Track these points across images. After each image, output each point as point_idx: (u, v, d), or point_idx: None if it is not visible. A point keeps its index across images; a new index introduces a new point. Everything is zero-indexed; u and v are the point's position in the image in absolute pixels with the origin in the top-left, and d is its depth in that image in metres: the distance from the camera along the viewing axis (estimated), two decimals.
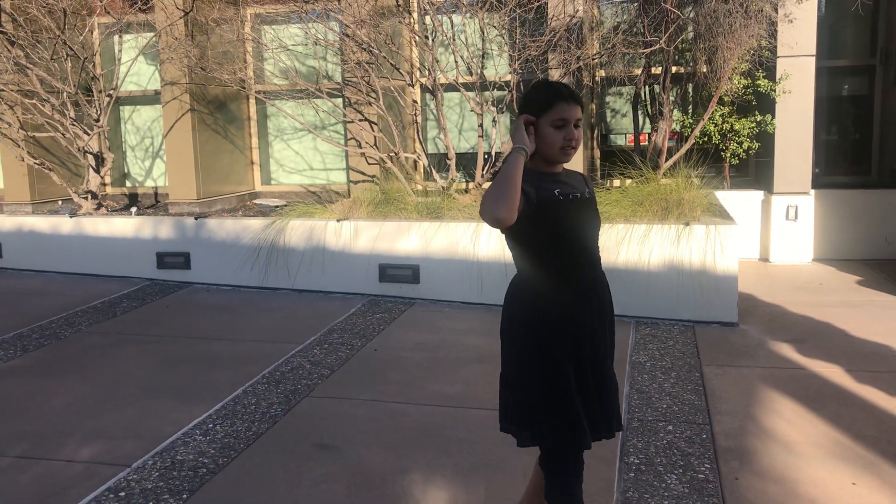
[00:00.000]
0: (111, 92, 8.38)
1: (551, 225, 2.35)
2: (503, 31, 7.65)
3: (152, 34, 8.55)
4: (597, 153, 8.96)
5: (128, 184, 9.94)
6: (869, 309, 5.99)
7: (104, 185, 9.32)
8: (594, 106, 8.75)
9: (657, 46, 6.49)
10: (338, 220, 6.61)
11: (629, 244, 5.83)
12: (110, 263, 7.58)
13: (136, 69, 9.24)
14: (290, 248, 6.77)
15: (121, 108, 9.79)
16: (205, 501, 3.26)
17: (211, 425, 4.03)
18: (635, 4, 6.98)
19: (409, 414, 4.18)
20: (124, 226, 7.52)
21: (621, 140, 9.26)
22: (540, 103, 2.34)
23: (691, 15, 6.78)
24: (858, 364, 4.74)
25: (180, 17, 8.07)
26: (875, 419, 3.97)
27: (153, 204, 9.49)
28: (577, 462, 2.45)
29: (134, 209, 8.41)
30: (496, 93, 7.64)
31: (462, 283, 6.30)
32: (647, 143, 8.11)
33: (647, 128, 8.26)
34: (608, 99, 9.19)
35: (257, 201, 9.29)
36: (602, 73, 8.57)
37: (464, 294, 6.32)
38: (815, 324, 5.62)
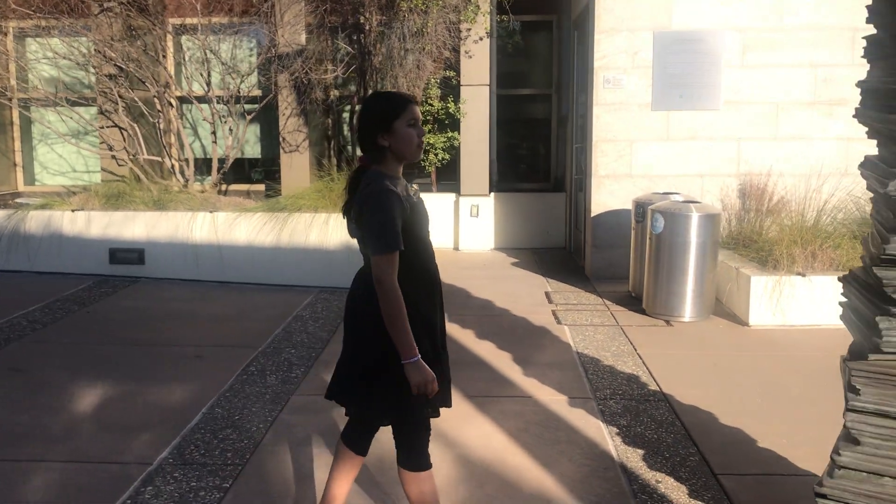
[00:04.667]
0: None
1: (414, 226, 2.53)
2: (233, 56, 8.99)
3: None
4: (334, 160, 10.47)
5: None
6: (504, 280, 7.82)
7: None
8: (330, 120, 10.29)
9: (336, 73, 8.10)
10: (73, 211, 7.67)
11: (315, 228, 7.32)
12: None
13: None
14: (30, 235, 7.73)
15: None
16: None
17: None
18: (325, 38, 8.57)
19: (96, 351, 5.41)
20: None
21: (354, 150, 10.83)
22: (396, 106, 2.53)
23: (376, 49, 8.42)
24: (459, 312, 6.46)
25: None
26: None
27: None
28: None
29: None
30: (232, 106, 8.95)
31: (182, 262, 7.56)
32: None
33: None
34: (345, 116, 10.74)
35: (19, 200, 10.03)
36: (337, 92, 10.11)
37: (184, 272, 7.57)
38: (454, 288, 7.35)
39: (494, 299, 6.90)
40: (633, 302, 6.73)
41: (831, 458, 2.71)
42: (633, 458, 3.75)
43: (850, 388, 2.67)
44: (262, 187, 10.26)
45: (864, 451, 2.64)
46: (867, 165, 2.72)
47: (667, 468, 3.64)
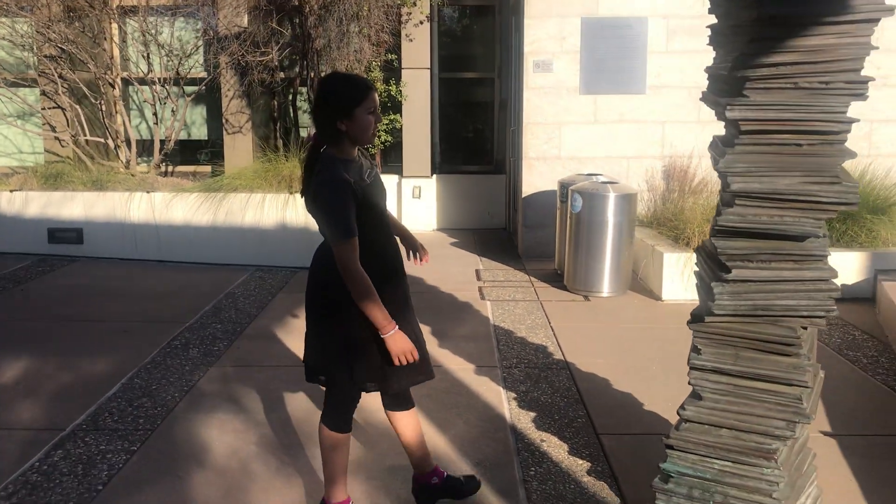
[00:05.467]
0: None
1: (367, 205, 2.63)
2: (176, 38, 9.06)
3: None
4: (280, 142, 10.59)
5: None
6: (439, 258, 8.00)
7: None
8: (275, 103, 10.38)
9: (269, 57, 8.23)
10: (11, 191, 7.73)
11: (251, 209, 7.47)
12: None
13: None
14: None
15: None
16: None
17: None
18: (260, 21, 8.67)
19: (26, 327, 5.54)
20: None
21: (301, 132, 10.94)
22: (358, 93, 2.59)
23: (316, 32, 8.53)
24: None
25: None
26: None
27: None
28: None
29: None
30: (170, 87, 9.03)
31: (120, 242, 7.66)
32: None
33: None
34: (290, 98, 10.84)
35: None
36: (282, 74, 10.19)
37: (122, 251, 7.68)
38: None
39: (426, 277, 7.11)
40: (558, 279, 6.99)
41: (678, 413, 2.96)
42: (525, 420, 3.99)
43: (693, 348, 2.93)
44: (208, 169, 10.34)
45: (704, 405, 2.90)
46: (712, 145, 2.97)
47: (553, 429, 3.89)
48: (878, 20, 2.50)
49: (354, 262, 2.55)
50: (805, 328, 2.79)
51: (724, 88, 2.75)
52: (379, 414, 4.01)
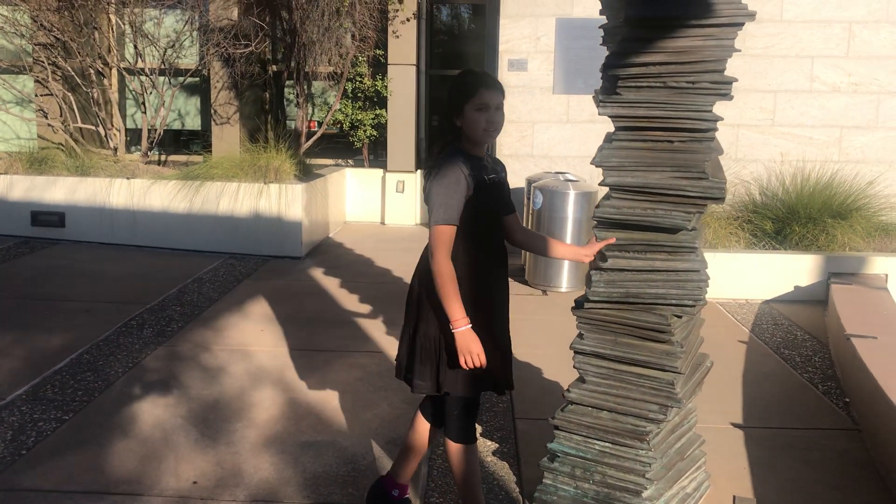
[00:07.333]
0: None
1: (481, 204, 2.61)
2: (171, 28, 9.27)
3: None
4: (271, 134, 10.78)
5: None
6: (413, 252, 8.11)
7: None
8: (267, 94, 10.58)
9: (250, 49, 8.41)
10: None
11: (226, 197, 7.65)
12: None
13: None
14: None
15: None
16: None
17: None
18: (245, 14, 8.86)
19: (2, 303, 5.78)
20: None
21: (292, 124, 11.15)
22: (466, 89, 2.57)
23: (302, 26, 8.70)
24: (354, 279, 6.82)
25: None
26: (322, 300, 6.03)
27: None
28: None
29: None
30: (156, 78, 9.23)
31: (99, 226, 7.88)
32: (315, 128, 10.14)
33: (293, 113, 10.23)
34: (277, 91, 11.03)
35: None
36: (275, 67, 10.39)
37: (102, 235, 7.89)
38: (362, 258, 7.71)
39: (393, 269, 7.27)
40: (522, 274, 7.11)
41: (563, 395, 3.10)
42: None
43: (578, 334, 3.06)
44: (200, 158, 10.55)
45: (587, 388, 3.04)
46: (601, 144, 3.09)
47: None
48: (741, 24, 2.63)
49: (443, 249, 2.55)
50: (679, 317, 2.92)
51: (606, 86, 2.88)
52: (310, 395, 4.18)
